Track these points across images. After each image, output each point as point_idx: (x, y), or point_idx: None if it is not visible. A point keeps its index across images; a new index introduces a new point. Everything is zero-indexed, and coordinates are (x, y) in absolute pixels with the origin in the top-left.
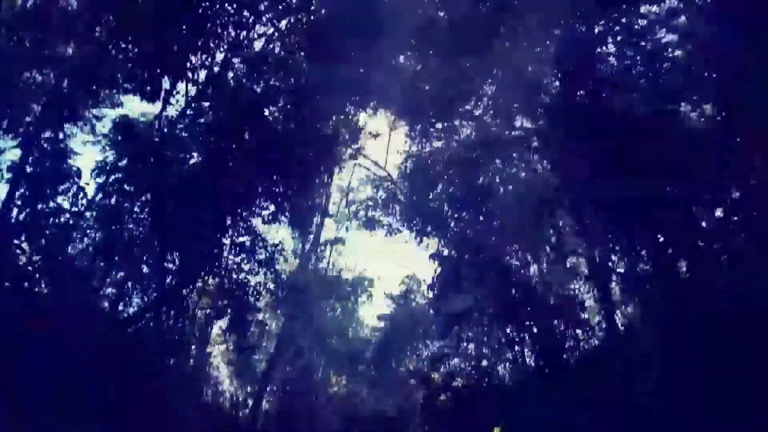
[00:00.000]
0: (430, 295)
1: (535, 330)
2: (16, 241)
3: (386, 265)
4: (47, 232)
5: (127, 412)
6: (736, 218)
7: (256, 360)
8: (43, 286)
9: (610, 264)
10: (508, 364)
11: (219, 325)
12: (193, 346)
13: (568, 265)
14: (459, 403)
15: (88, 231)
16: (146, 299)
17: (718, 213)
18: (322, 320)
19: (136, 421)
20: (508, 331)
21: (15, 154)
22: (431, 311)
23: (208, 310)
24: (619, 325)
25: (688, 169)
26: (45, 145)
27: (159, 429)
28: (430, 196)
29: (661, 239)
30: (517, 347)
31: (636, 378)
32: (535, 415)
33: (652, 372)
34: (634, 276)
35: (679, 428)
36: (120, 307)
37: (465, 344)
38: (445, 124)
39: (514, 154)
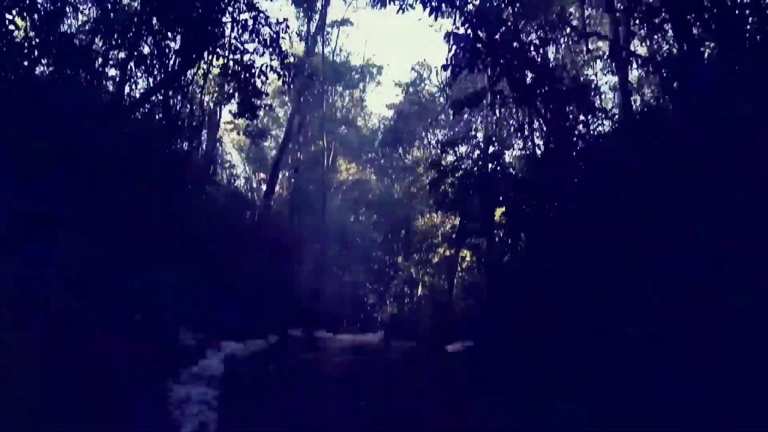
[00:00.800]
0: (443, 76)
1: (547, 115)
2: (9, 16)
3: (396, 52)
4: (39, 5)
5: (140, 193)
6: None
7: (267, 147)
8: (43, 65)
9: (632, 47)
10: (516, 150)
11: (228, 110)
12: (204, 131)
13: (588, 47)
14: (465, 186)
15: (82, 7)
16: (151, 81)
17: None
18: (330, 107)
19: (147, 198)
20: (519, 115)
21: None
22: (442, 97)
23: (215, 95)
24: (635, 110)
25: None
26: None
27: (175, 206)
28: None
29: (690, 17)
30: (527, 131)
31: (643, 163)
32: (537, 201)
33: (660, 158)
34: (656, 59)
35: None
36: (126, 90)
37: (474, 132)
38: None
39: None
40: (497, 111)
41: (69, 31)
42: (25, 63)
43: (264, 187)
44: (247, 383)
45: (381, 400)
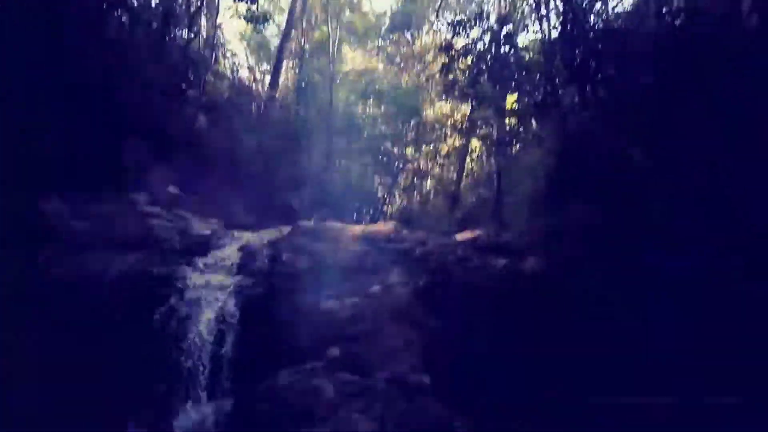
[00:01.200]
0: None
1: None
2: None
3: None
4: None
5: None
6: None
7: (270, 36)
8: None
9: None
10: (531, 33)
11: None
12: (202, 17)
13: None
14: (477, 71)
15: None
16: None
17: None
18: None
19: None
20: None
21: None
22: None
23: None
24: None
25: None
26: None
27: (177, 99)
28: None
29: None
30: (543, 9)
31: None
32: (552, 86)
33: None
34: None
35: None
36: None
37: (486, 14)
38: None
39: None
40: None
41: None
42: None
43: (268, 78)
44: (262, 271)
45: (396, 279)
